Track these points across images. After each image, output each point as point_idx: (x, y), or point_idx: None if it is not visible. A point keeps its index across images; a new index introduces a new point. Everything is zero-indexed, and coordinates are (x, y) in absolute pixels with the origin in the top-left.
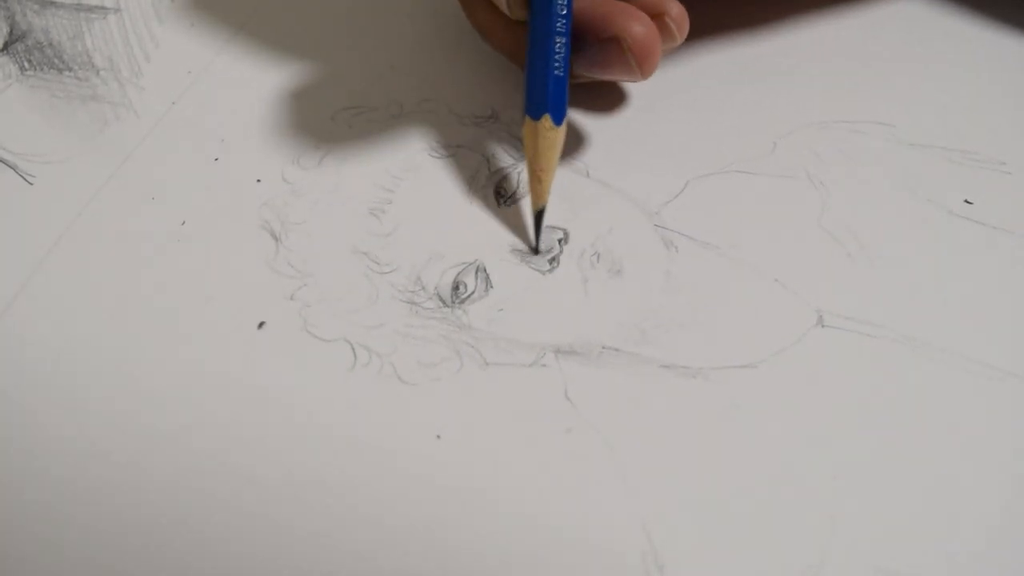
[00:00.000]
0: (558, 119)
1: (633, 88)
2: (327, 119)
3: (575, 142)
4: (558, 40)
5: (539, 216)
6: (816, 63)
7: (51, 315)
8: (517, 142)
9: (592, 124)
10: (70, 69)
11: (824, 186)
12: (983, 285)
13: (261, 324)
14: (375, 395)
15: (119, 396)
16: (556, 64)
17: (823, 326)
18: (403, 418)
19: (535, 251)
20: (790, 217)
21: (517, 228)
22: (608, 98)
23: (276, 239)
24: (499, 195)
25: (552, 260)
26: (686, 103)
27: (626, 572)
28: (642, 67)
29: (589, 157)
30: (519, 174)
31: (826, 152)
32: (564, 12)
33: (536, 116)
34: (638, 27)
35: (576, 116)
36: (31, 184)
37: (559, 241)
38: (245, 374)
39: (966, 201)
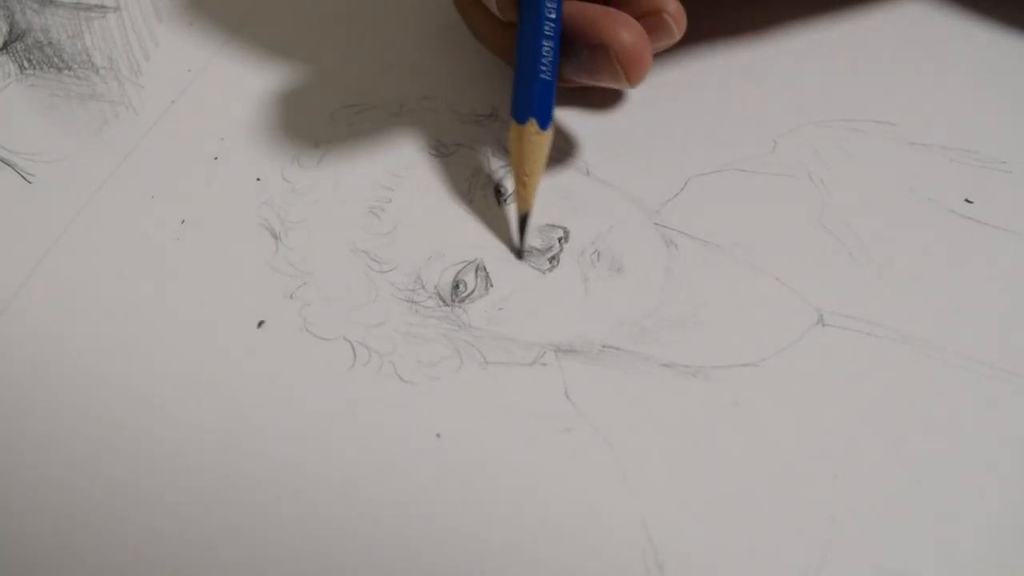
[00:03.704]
0: (544, 123)
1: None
2: (327, 117)
3: (575, 140)
4: (546, 44)
5: (523, 221)
6: (816, 62)
7: (51, 314)
8: None
9: (592, 123)
10: (70, 68)
11: (824, 185)
12: (983, 284)
13: (261, 323)
14: (375, 394)
15: (119, 395)
16: (543, 68)
17: (824, 325)
18: (403, 417)
19: (519, 255)
20: (791, 216)
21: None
22: (609, 96)
23: (276, 238)
24: (499, 194)
25: (552, 259)
26: (687, 102)
27: (626, 572)
28: (629, 75)
29: (589, 156)
30: None
31: (826, 151)
32: (553, 16)
33: (522, 120)
34: (626, 35)
35: (577, 114)
36: (30, 183)
37: (559, 240)
38: (245, 373)
39: (967, 200)
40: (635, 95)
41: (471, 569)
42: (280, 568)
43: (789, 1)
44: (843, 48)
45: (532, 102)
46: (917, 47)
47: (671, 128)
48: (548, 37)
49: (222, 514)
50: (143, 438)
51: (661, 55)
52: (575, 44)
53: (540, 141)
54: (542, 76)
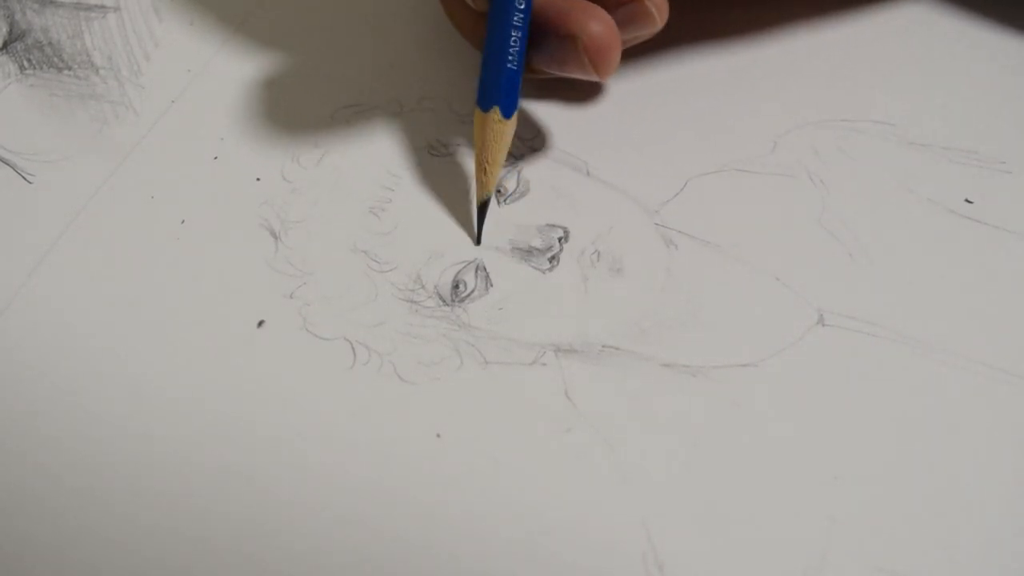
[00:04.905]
0: (508, 112)
1: (633, 87)
2: (327, 117)
3: (575, 140)
4: (514, 33)
5: (483, 208)
6: (816, 62)
7: (50, 314)
8: (518, 141)
9: (592, 123)
10: (69, 68)
11: (824, 185)
12: (983, 284)
13: (261, 323)
14: (375, 394)
15: (119, 395)
16: (510, 57)
17: (823, 325)
18: (403, 417)
19: (477, 242)
20: (790, 216)
21: (518, 227)
22: (608, 96)
23: (276, 237)
24: (499, 193)
25: (552, 259)
26: (687, 102)
27: (626, 572)
28: (597, 67)
29: (589, 156)
30: (519, 172)
31: (826, 151)
32: (522, 6)
33: (486, 108)
34: (595, 26)
35: (577, 114)
36: (30, 183)
37: (559, 240)
38: (245, 373)
39: (966, 200)
40: (635, 95)
41: (471, 569)
42: (279, 567)
43: (789, 1)
44: (843, 48)
45: (497, 90)
46: (917, 47)
47: (671, 128)
48: (516, 27)
49: (222, 513)
50: (143, 438)
51: (663, 55)
52: (545, 34)
53: (503, 129)
54: (508, 65)
